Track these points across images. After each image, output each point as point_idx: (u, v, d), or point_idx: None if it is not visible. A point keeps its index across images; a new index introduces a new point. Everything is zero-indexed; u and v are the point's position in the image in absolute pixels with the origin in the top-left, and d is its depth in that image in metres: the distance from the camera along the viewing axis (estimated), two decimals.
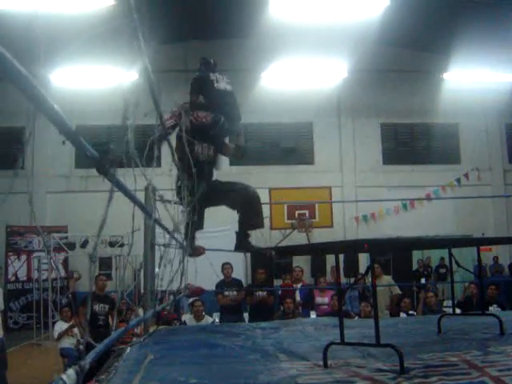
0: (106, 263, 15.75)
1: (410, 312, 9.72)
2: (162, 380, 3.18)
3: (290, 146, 18.67)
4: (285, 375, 3.24)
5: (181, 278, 5.32)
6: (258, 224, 5.52)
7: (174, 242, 5.01)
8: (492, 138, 19.41)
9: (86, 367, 1.73)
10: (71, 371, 1.60)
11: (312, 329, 5.21)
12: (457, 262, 4.99)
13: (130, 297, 14.85)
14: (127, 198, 2.56)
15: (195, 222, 5.01)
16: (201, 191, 4.94)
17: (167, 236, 4.97)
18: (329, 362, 3.46)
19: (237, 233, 5.61)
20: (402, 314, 9.25)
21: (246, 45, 17.13)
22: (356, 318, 9.22)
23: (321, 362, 3.49)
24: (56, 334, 10.02)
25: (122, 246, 15.55)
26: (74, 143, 1.63)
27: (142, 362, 3.75)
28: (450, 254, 5.00)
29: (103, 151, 2.01)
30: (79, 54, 13.90)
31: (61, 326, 10.11)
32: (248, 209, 5.49)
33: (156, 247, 5.58)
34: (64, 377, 1.53)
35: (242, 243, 5.57)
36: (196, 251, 5.66)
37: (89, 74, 15.92)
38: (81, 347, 9.04)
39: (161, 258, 4.75)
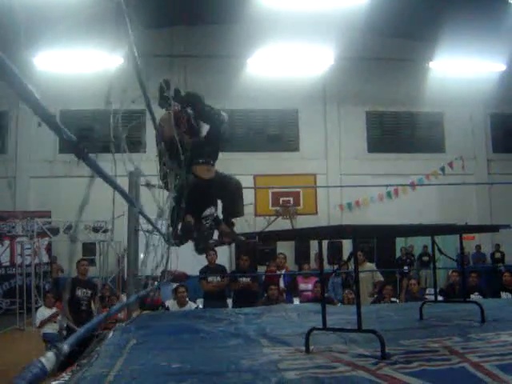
0: (89, 249, 15.68)
1: (393, 299, 9.78)
2: (144, 364, 3.18)
3: (275, 132, 18.67)
4: (266, 360, 3.25)
5: (165, 264, 5.33)
6: (241, 212, 5.61)
7: (158, 227, 5.01)
8: (477, 128, 19.53)
9: (65, 350, 1.72)
10: (50, 353, 1.60)
11: (295, 315, 5.22)
12: (439, 250, 5.02)
13: (114, 283, 14.85)
14: (107, 183, 2.54)
15: (182, 210, 5.00)
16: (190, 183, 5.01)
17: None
18: (311, 348, 3.48)
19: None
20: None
21: (233, 31, 17.07)
22: (339, 304, 9.26)
23: (303, 348, 3.50)
24: (38, 321, 9.99)
25: (105, 231, 15.51)
26: (50, 126, 1.61)
27: (125, 346, 3.75)
28: (433, 242, 5.03)
29: (85, 135, 2.00)
30: (64, 37, 13.82)
31: (43, 312, 10.07)
32: (231, 198, 5.54)
33: (140, 233, 5.57)
34: (43, 359, 1.53)
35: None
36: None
37: (74, 58, 15.80)
38: (63, 332, 9.03)
39: (146, 244, 4.74)
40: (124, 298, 7.62)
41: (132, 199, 4.18)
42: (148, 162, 5.54)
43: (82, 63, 15.71)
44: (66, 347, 1.75)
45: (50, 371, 1.53)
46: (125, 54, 2.92)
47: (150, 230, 4.95)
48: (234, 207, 5.58)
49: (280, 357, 3.31)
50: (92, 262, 15.27)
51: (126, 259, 5.61)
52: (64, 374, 3.12)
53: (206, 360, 3.30)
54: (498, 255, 18.17)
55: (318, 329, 3.63)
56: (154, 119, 4.76)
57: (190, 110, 5.66)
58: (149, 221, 4.91)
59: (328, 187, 17.40)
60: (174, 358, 3.31)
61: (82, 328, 2.43)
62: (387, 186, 14.05)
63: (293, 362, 3.15)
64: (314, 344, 3.56)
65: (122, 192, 3.05)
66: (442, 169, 18.13)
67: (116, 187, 2.74)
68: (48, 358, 1.55)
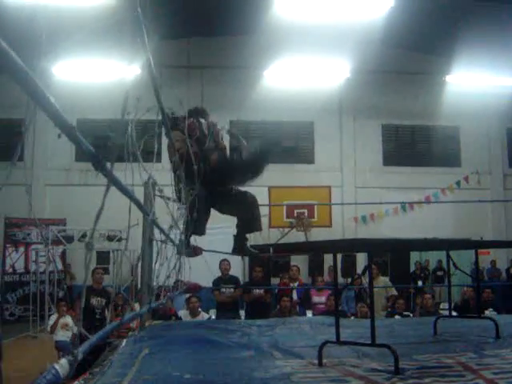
0: (103, 257, 15.71)
1: (405, 313, 9.73)
2: (157, 374, 3.18)
3: (290, 144, 18.67)
4: (279, 373, 3.24)
5: (177, 275, 5.33)
6: (257, 228, 5.62)
7: (171, 237, 5.02)
8: (493, 142, 19.42)
9: (78, 357, 1.73)
10: (64, 361, 1.61)
11: (308, 327, 5.21)
12: (454, 264, 5.00)
13: (128, 292, 14.86)
14: (123, 194, 2.56)
15: (193, 224, 5.01)
16: (202, 196, 5.00)
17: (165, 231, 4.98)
18: (324, 361, 3.47)
19: (235, 236, 5.65)
20: (397, 316, 9.25)
21: (249, 42, 17.12)
22: (352, 318, 9.22)
23: (315, 361, 3.49)
24: (48, 327, 10.04)
25: (120, 240, 15.54)
26: (69, 137, 1.62)
27: (137, 356, 3.75)
28: (448, 256, 5.00)
29: (102, 145, 2.01)
30: (82, 46, 13.91)
31: (54, 319, 10.12)
32: (247, 214, 5.53)
33: (154, 242, 5.57)
34: (57, 366, 1.54)
35: (240, 247, 5.62)
36: (194, 251, 5.68)
37: (91, 68, 15.91)
38: (77, 340, 9.06)
39: (157, 253, 4.75)
40: (137, 307, 7.63)
41: (146, 209, 4.19)
42: (163, 172, 5.56)
43: (100, 73, 15.80)
44: (79, 354, 1.76)
45: (63, 378, 1.54)
46: (142, 65, 2.94)
47: (163, 240, 4.96)
48: (251, 223, 5.58)
49: (292, 369, 3.30)
50: (106, 271, 15.32)
51: (139, 268, 5.61)
52: (76, 383, 3.13)
53: (217, 371, 3.29)
54: None
55: (332, 342, 3.61)
56: (168, 130, 4.78)
57: (202, 119, 5.76)
58: (162, 230, 4.92)
59: (342, 204, 17.30)
60: (187, 368, 3.31)
61: (94, 336, 2.44)
62: (401, 203, 14.02)
63: (305, 375, 3.14)
64: (326, 357, 3.54)
65: (136, 201, 3.06)
66: (458, 183, 18.04)
67: (131, 197, 2.76)
68: (62, 365, 1.56)
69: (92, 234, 1.90)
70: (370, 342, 3.37)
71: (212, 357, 3.83)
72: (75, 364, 1.65)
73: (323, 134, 18.63)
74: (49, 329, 10.03)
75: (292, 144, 18.75)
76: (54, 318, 10.20)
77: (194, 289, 5.95)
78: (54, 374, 1.48)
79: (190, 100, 17.45)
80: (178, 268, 5.22)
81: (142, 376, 3.15)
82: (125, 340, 4.42)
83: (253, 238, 14.85)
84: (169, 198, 5.20)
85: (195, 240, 5.68)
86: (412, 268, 17.11)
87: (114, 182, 2.14)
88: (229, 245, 11.64)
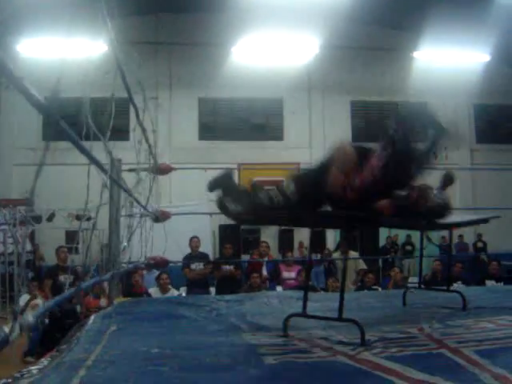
0: (72, 237, 15.58)
1: (373, 287, 9.83)
2: (124, 350, 3.17)
3: (260, 121, 18.64)
4: (246, 345, 3.25)
5: (144, 249, 5.32)
6: None
7: (139, 211, 5.00)
8: (460, 118, 19.58)
9: (29, 320, 1.72)
10: (15, 323, 1.60)
11: (276, 301, 5.22)
12: (428, 238, 5.08)
13: (98, 271, 14.76)
14: (81, 152, 2.51)
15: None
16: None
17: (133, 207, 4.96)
18: (291, 334, 3.49)
19: None
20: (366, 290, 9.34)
21: (217, 19, 16.99)
22: (321, 292, 9.29)
23: (283, 333, 3.53)
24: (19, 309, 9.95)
25: (89, 219, 15.39)
26: (17, 88, 1.58)
27: (105, 332, 3.73)
28: (422, 235, 5.09)
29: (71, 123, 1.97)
30: (48, 24, 13.65)
31: (25, 299, 10.02)
32: None
33: (123, 221, 5.54)
34: (5, 327, 1.53)
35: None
36: (163, 215, 5.67)
37: (58, 45, 15.62)
38: (46, 320, 9.01)
39: (128, 227, 4.73)
40: (106, 285, 7.61)
41: (106, 169, 4.14)
42: (132, 150, 5.52)
43: (67, 50, 15.52)
44: (30, 318, 1.75)
45: (12, 339, 1.53)
46: (108, 41, 2.90)
47: (132, 214, 4.93)
48: None
49: (259, 342, 3.31)
50: (75, 251, 15.18)
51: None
52: (43, 360, 3.11)
53: (185, 345, 3.29)
54: (480, 244, 18.35)
55: (297, 315, 3.63)
56: (136, 109, 4.73)
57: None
58: (119, 185, 4.86)
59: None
60: (154, 343, 3.30)
61: (51, 301, 2.42)
62: None
63: (272, 348, 3.15)
64: (294, 330, 3.57)
65: (95, 161, 3.02)
66: None
67: (89, 156, 2.71)
68: (10, 327, 1.55)
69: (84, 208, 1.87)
70: (336, 317, 3.39)
71: (180, 331, 3.82)
72: (26, 327, 1.63)
73: (292, 110, 18.64)
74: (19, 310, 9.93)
75: (261, 121, 18.72)
76: (24, 298, 10.10)
77: (161, 264, 5.91)
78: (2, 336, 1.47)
79: (158, 77, 17.35)
80: (146, 243, 5.20)
81: (108, 351, 3.13)
82: (92, 317, 4.40)
83: (224, 219, 14.88)
84: (134, 170, 5.13)
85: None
86: (382, 243, 17.26)
87: (72, 139, 2.10)
88: (196, 222, 11.65)
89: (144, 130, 4.89)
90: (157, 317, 4.42)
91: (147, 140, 5.29)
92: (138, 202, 4.98)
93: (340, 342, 3.23)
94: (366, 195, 3.33)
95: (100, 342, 3.40)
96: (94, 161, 2.85)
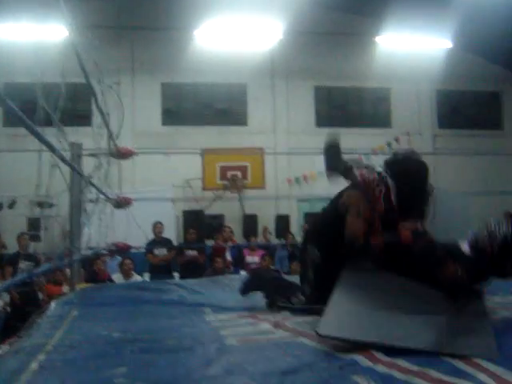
0: (34, 224, 15.38)
1: None
2: (84, 334, 3.15)
3: (223, 106, 18.57)
4: (208, 327, 3.26)
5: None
6: None
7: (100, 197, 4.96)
8: (423, 104, 19.79)
9: None
10: None
11: (239, 284, 5.24)
12: None
13: (61, 258, 14.62)
14: (37, 138, 2.47)
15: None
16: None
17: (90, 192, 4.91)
18: (254, 315, 3.52)
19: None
20: None
21: (179, 2, 16.84)
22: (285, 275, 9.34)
23: (245, 314, 3.58)
24: None
25: (51, 206, 15.22)
26: None
27: (66, 318, 3.70)
28: None
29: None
30: (7, 7, 13.38)
31: None
32: None
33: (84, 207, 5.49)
34: None
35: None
36: (124, 200, 5.65)
37: (18, 29, 15.33)
38: (8, 308, 8.92)
39: (88, 213, 4.69)
40: (68, 272, 7.54)
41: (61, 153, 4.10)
42: (94, 136, 5.47)
43: (26, 34, 15.25)
44: None
45: None
46: (68, 26, 2.85)
47: (92, 200, 4.89)
48: None
49: (222, 324, 3.32)
50: (37, 238, 15.00)
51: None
52: (2, 346, 3.08)
53: (147, 329, 3.28)
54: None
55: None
56: (95, 94, 4.67)
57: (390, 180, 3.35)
58: (73, 168, 4.82)
59: (276, 154, 17.35)
60: (116, 327, 3.28)
61: (8, 281, 2.40)
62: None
63: (234, 329, 3.16)
64: (257, 311, 3.60)
65: (48, 144, 2.98)
66: (389, 144, 18.33)
67: (42, 140, 2.68)
68: None
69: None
70: None
71: (142, 315, 3.81)
72: None
73: (256, 95, 18.59)
74: None
75: (225, 106, 18.65)
76: None
77: (123, 249, 5.88)
78: None
79: (120, 62, 17.15)
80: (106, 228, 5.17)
81: (69, 336, 3.11)
82: (53, 303, 4.36)
83: (188, 205, 14.81)
84: (94, 155, 5.09)
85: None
86: None
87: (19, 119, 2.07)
88: (160, 207, 11.59)
89: (103, 114, 4.83)
90: (118, 302, 4.40)
91: (107, 124, 5.24)
92: (97, 188, 4.94)
93: (303, 322, 3.24)
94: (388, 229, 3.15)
95: (60, 327, 3.37)
96: (49, 146, 2.81)
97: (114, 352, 2.68)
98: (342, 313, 2.87)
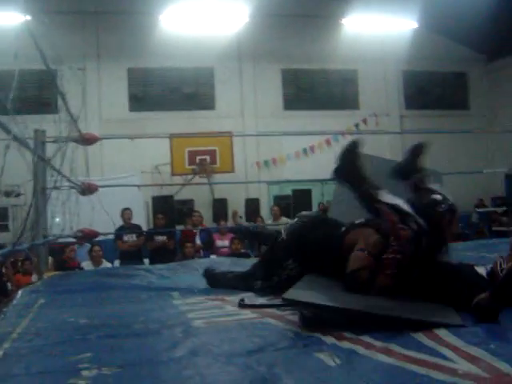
0: (2, 213, 15.23)
1: None
2: (51, 322, 3.13)
3: (191, 91, 18.47)
4: (175, 311, 3.27)
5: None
6: None
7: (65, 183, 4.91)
8: (390, 85, 19.93)
9: None
10: None
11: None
12: None
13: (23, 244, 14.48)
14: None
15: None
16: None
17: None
18: (221, 297, 3.55)
19: None
20: None
21: None
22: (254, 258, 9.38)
23: (212, 297, 3.60)
24: None
25: (18, 195, 15.09)
26: None
27: (32, 305, 3.68)
28: None
29: None
30: None
31: None
32: None
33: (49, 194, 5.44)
34: None
35: None
36: (89, 188, 5.60)
37: None
38: None
39: (52, 199, 4.64)
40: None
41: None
42: (59, 124, 5.41)
43: None
44: None
45: None
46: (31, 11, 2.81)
47: (57, 186, 4.84)
48: None
49: (189, 307, 3.34)
50: (5, 228, 14.86)
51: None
52: None
53: (114, 314, 3.28)
54: None
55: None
56: (56, 83, 4.61)
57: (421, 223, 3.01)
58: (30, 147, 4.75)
59: (244, 136, 17.33)
60: (83, 314, 3.27)
61: None
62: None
63: (201, 312, 3.18)
64: (224, 294, 3.64)
65: (13, 135, 2.95)
66: (357, 125, 18.45)
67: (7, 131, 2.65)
68: None
69: None
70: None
71: (110, 301, 3.81)
72: None
73: (223, 79, 18.52)
74: None
75: (192, 90, 18.54)
76: None
77: (90, 235, 5.85)
78: None
79: (85, 48, 16.94)
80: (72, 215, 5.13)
81: (35, 324, 3.09)
82: (20, 291, 4.33)
83: (157, 190, 14.75)
84: (55, 141, 5.03)
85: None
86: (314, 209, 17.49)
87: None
88: (128, 194, 11.53)
89: (63, 97, 4.77)
90: (86, 288, 4.39)
91: (67, 108, 5.18)
92: (61, 173, 4.89)
93: (269, 305, 3.26)
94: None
95: (27, 315, 3.35)
96: (10, 133, 2.78)
97: (79, 338, 2.68)
98: (308, 285, 2.96)
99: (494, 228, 15.42)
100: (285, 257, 3.45)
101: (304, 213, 3.84)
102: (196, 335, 2.58)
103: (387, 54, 18.94)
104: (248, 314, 3.05)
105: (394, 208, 3.05)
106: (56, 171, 4.78)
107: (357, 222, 3.28)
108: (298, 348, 2.27)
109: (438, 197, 3.17)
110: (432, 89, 20.65)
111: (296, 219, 3.68)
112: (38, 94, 15.59)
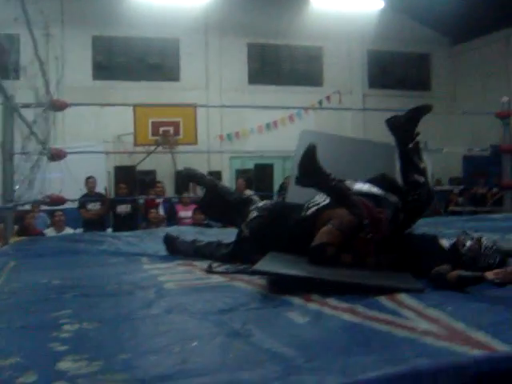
0: None
1: None
2: (24, 283, 3.22)
3: (155, 61, 18.34)
4: (147, 274, 3.38)
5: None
6: None
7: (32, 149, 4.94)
8: (354, 63, 20.07)
9: None
10: None
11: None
12: None
13: None
14: None
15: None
16: None
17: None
18: (191, 263, 3.67)
19: None
20: None
21: None
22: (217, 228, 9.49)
23: (181, 262, 3.73)
24: None
25: None
26: None
27: (3, 268, 3.74)
28: None
29: None
30: None
31: None
32: None
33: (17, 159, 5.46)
34: None
35: None
36: (58, 154, 5.63)
37: None
38: None
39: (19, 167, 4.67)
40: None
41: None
42: (23, 89, 5.43)
43: None
44: None
45: None
46: None
47: (25, 152, 4.87)
48: None
49: (159, 271, 3.45)
50: None
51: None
52: None
53: (86, 277, 3.38)
54: None
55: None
56: (35, 45, 4.61)
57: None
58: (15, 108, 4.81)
59: (208, 106, 17.27)
60: (55, 276, 3.36)
61: None
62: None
63: (172, 276, 3.30)
64: (193, 260, 3.77)
65: None
66: (320, 102, 18.58)
67: None
68: None
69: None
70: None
71: (80, 264, 3.91)
72: None
73: (189, 51, 18.41)
74: None
75: (157, 61, 18.40)
76: None
77: (57, 201, 5.89)
78: None
79: (49, 14, 16.63)
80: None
81: (9, 284, 3.18)
82: None
83: (119, 160, 14.70)
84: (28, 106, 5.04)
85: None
86: (277, 184, 17.61)
87: None
88: (92, 162, 11.49)
89: (40, 62, 4.79)
90: (56, 252, 4.46)
91: (44, 73, 5.20)
92: (36, 136, 4.92)
93: (238, 271, 3.37)
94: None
95: None
96: None
97: (56, 297, 2.78)
98: (275, 259, 3.09)
99: (450, 208, 15.76)
100: (253, 252, 3.44)
101: (261, 204, 3.84)
102: (169, 296, 2.71)
103: (353, 32, 19.07)
104: (218, 278, 3.19)
105: (368, 195, 3.26)
106: (33, 135, 4.80)
107: (323, 202, 3.36)
108: (268, 308, 2.42)
109: (422, 178, 3.38)
110: (395, 69, 20.89)
111: (255, 213, 3.71)
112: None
